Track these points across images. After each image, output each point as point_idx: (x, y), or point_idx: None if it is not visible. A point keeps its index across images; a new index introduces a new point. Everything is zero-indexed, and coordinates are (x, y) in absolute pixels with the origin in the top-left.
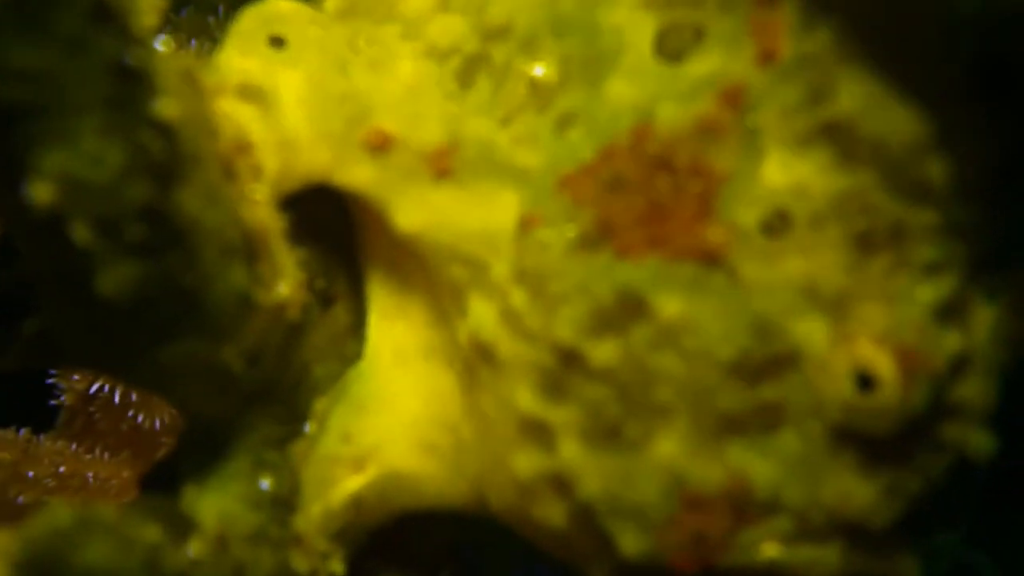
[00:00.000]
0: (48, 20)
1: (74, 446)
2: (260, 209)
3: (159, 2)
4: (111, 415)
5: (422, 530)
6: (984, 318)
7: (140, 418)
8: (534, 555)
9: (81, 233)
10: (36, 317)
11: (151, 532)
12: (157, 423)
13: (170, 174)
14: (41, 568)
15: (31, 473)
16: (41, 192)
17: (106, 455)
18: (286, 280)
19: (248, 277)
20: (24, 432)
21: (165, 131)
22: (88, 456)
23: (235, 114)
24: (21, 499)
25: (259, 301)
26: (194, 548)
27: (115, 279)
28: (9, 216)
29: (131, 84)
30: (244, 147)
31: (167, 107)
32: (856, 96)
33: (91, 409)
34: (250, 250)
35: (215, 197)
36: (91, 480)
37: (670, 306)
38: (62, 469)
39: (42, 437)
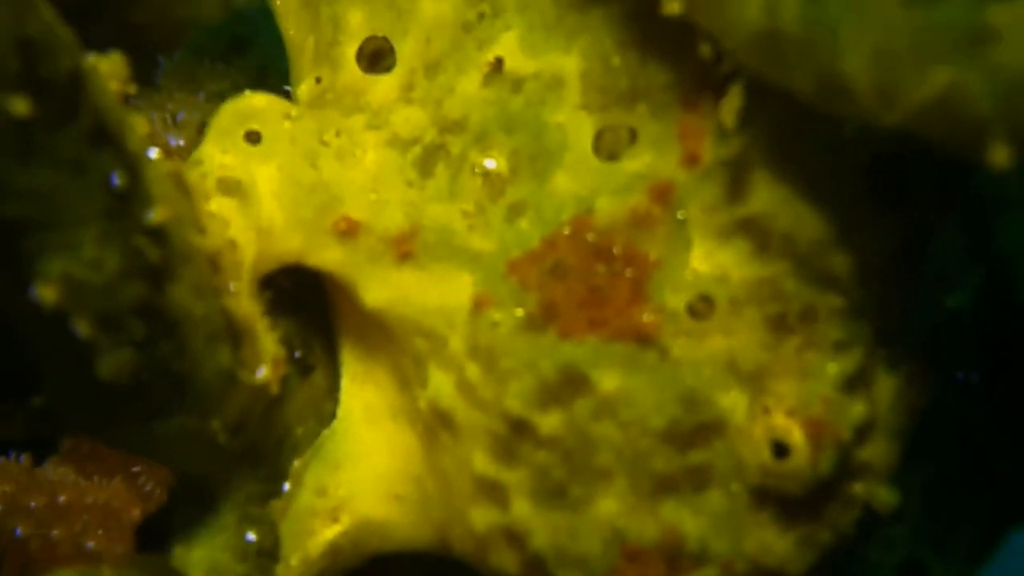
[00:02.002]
0: (50, 145)
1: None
2: (243, 300)
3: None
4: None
5: (392, 565)
6: (886, 388)
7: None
8: None
9: (83, 328)
10: (41, 394)
11: None
12: (152, 478)
13: (162, 273)
14: None
15: (32, 504)
16: (47, 293)
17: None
18: (267, 364)
19: (233, 359)
20: (24, 459)
21: (158, 235)
22: (89, 482)
23: (218, 210)
24: (19, 532)
25: (243, 381)
26: None
27: (113, 365)
28: (18, 312)
29: (126, 197)
30: (228, 245)
31: (159, 214)
32: (768, 196)
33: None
34: (235, 336)
35: (203, 290)
36: (92, 510)
37: (608, 381)
38: (61, 499)
39: (46, 463)
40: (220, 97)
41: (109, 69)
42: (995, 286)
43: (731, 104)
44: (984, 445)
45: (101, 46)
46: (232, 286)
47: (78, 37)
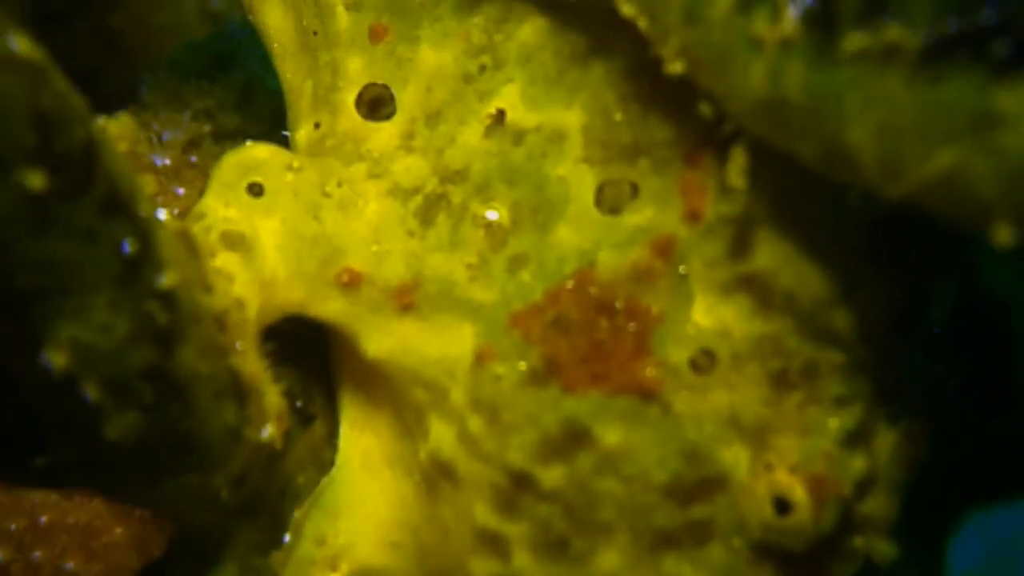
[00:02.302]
0: (64, 216)
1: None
2: (249, 358)
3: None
4: None
5: None
6: (886, 443)
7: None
8: None
9: (92, 391)
10: (44, 455)
11: None
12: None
13: (171, 336)
14: None
15: (12, 527)
16: (57, 358)
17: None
18: (272, 421)
19: (238, 416)
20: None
21: (167, 299)
22: (70, 502)
23: (223, 265)
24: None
25: (248, 437)
26: None
27: (121, 428)
28: (27, 375)
29: (137, 263)
30: (234, 304)
31: (170, 279)
32: (770, 254)
33: None
34: (240, 393)
35: (210, 349)
36: (73, 531)
37: (611, 436)
38: (43, 520)
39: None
40: (206, 114)
41: (118, 131)
42: (965, 281)
43: (736, 165)
44: (950, 432)
45: (78, 50)
46: (239, 345)
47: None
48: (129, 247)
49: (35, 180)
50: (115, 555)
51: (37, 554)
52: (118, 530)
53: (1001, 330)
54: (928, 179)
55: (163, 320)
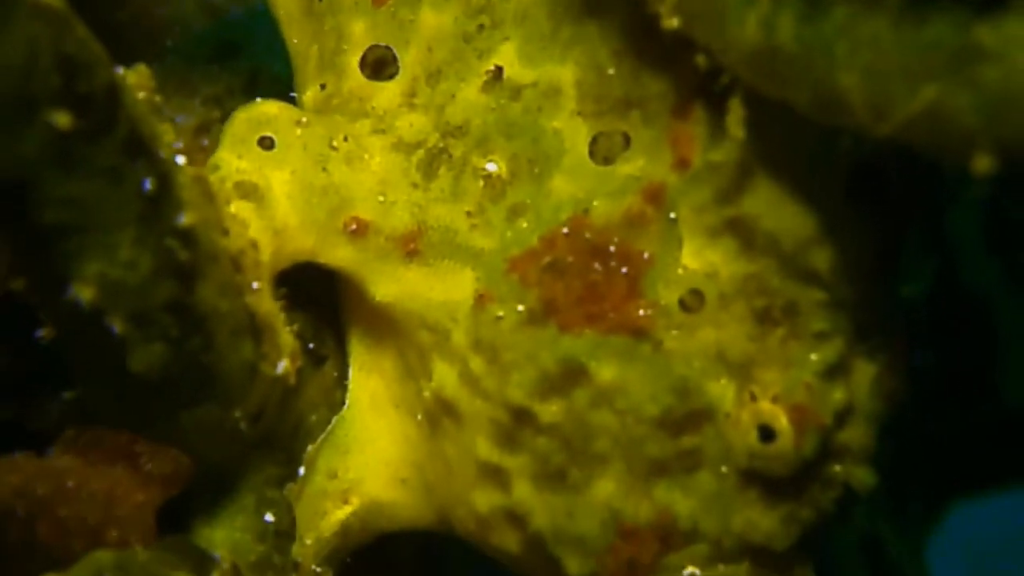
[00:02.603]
0: (89, 155)
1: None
2: (264, 298)
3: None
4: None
5: (397, 543)
6: (865, 375)
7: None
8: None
9: (118, 324)
10: (73, 389)
11: (180, 572)
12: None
13: (192, 272)
14: None
15: (39, 491)
16: (85, 293)
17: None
18: (286, 357)
19: (255, 352)
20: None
21: (187, 237)
22: (93, 469)
23: (238, 212)
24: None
25: (264, 372)
26: None
27: (145, 360)
28: (55, 311)
29: (159, 202)
30: (249, 245)
31: (189, 217)
32: (755, 198)
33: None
34: (256, 331)
35: (228, 288)
36: (97, 496)
37: (605, 372)
38: (69, 484)
39: (49, 453)
40: (215, 101)
41: (136, 81)
42: (944, 273)
43: (735, 116)
44: (933, 422)
45: None
46: (254, 284)
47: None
48: (150, 186)
49: (61, 119)
50: (135, 523)
51: (63, 513)
52: (139, 496)
53: (980, 324)
54: (913, 116)
55: (183, 257)
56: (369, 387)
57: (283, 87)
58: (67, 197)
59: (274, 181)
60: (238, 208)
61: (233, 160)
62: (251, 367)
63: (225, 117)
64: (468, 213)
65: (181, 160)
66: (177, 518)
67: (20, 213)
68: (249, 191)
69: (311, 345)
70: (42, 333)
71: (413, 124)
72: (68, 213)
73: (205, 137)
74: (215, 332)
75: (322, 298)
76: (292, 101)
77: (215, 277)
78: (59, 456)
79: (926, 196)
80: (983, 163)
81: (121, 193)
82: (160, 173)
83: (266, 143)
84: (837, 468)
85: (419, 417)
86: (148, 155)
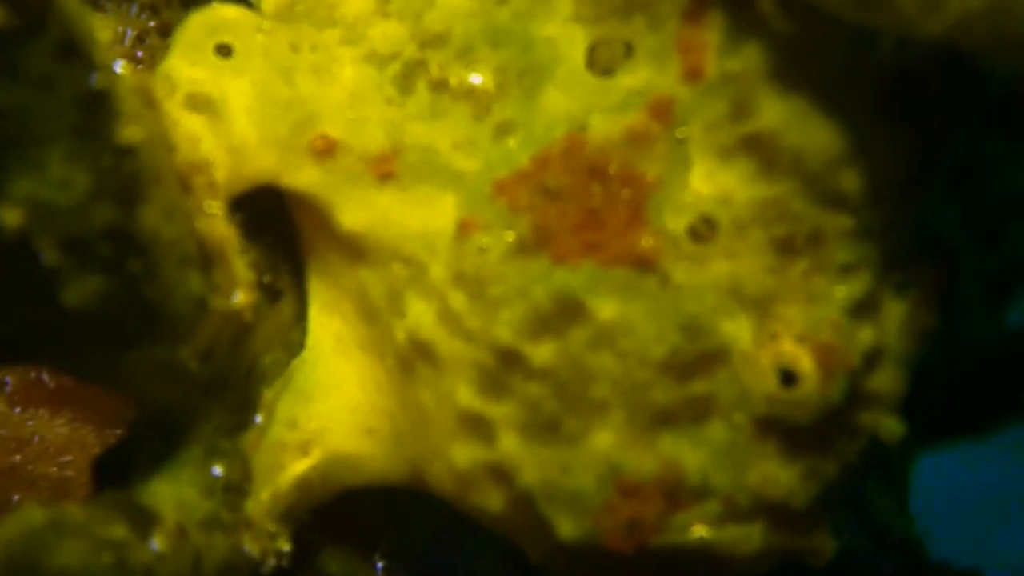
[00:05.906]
0: (17, 60)
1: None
2: (216, 222)
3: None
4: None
5: (361, 501)
6: (895, 313)
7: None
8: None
9: (49, 253)
10: (1, 323)
11: (118, 530)
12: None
13: (133, 194)
14: (16, 570)
15: None
16: (11, 216)
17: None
18: (242, 288)
19: (204, 285)
20: None
21: (128, 154)
22: (31, 421)
23: (188, 127)
24: None
25: (215, 307)
26: (158, 542)
27: (80, 293)
28: None
29: (96, 113)
30: (200, 164)
31: (130, 132)
32: (776, 112)
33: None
34: (206, 259)
35: (174, 212)
36: (33, 445)
37: (606, 309)
38: (3, 432)
39: None
40: (151, 10)
41: None
42: None
43: None
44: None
45: None
46: (206, 207)
47: None
48: (85, 94)
49: None
50: (71, 475)
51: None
52: (75, 445)
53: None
54: (969, 11)
55: (123, 176)
56: (332, 327)
57: None
58: None
59: (231, 92)
60: (189, 123)
61: (185, 68)
62: (200, 301)
63: (161, 27)
64: (449, 132)
65: (120, 67)
66: (117, 470)
67: None
68: (202, 104)
69: (266, 279)
70: None
71: (387, 34)
72: None
73: (140, 48)
74: (159, 261)
75: (276, 227)
76: (249, 7)
77: (160, 200)
78: None
79: (966, 109)
80: None
81: (53, 102)
82: (98, 83)
83: (223, 50)
84: (865, 416)
85: (389, 361)
86: (83, 60)
